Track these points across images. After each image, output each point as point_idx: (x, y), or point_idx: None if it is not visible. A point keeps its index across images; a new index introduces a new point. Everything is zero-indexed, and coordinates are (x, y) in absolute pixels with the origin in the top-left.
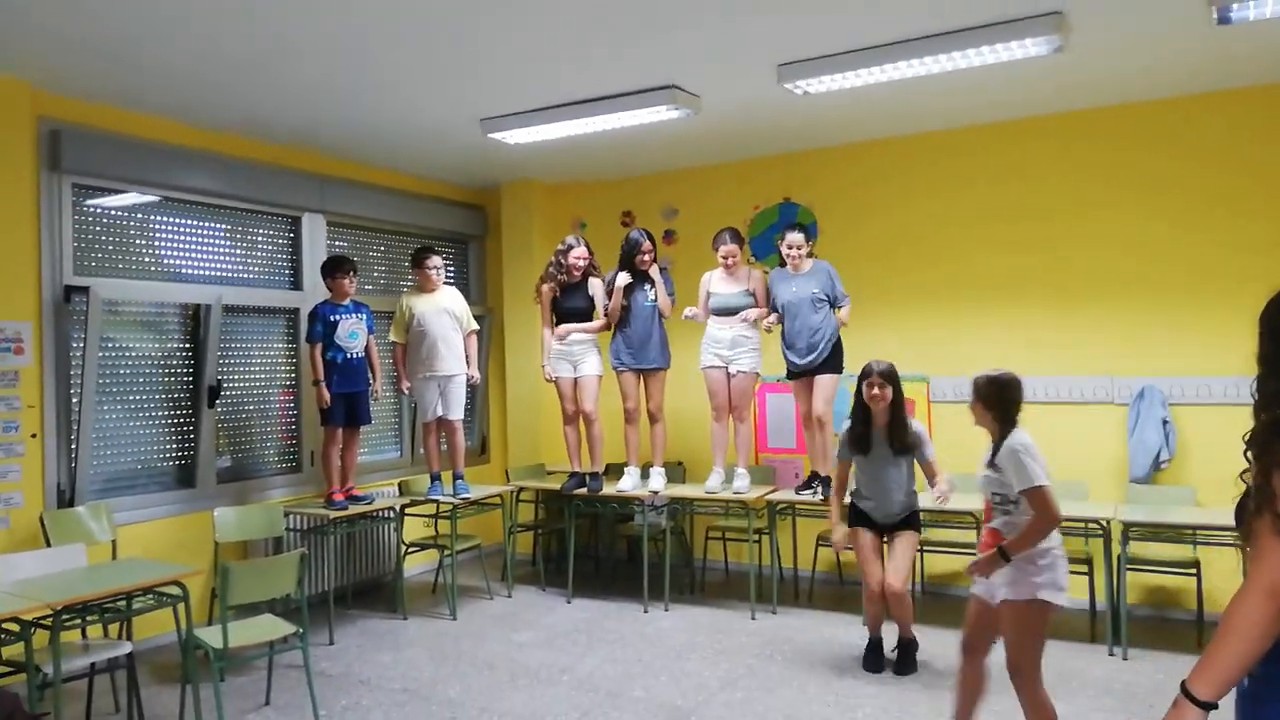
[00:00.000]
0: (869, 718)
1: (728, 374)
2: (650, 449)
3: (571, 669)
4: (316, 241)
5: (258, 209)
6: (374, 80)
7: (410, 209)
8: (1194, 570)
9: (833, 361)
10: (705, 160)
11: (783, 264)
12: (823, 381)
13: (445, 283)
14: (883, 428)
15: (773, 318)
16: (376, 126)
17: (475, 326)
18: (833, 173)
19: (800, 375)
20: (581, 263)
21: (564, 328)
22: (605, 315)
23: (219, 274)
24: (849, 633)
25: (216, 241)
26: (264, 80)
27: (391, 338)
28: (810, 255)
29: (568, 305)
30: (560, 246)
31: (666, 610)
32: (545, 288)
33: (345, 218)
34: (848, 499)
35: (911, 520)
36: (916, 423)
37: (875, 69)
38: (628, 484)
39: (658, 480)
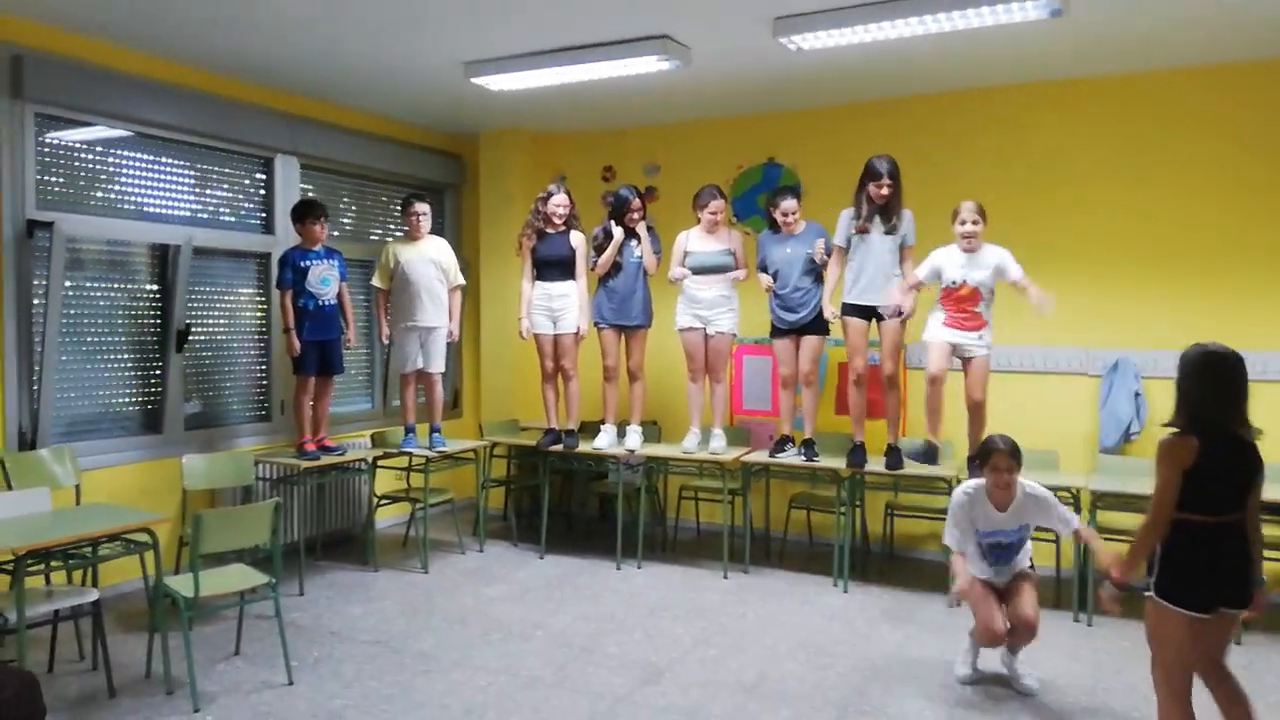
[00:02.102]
0: (840, 676)
1: (705, 335)
2: (628, 407)
3: (545, 624)
4: (289, 184)
5: (229, 148)
6: (357, 18)
7: (387, 154)
8: None
9: (820, 321)
10: (689, 116)
11: (772, 226)
12: (810, 341)
13: (433, 233)
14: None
15: (767, 279)
16: (356, 66)
17: (461, 281)
18: (818, 134)
19: (787, 334)
20: (562, 210)
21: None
22: (594, 267)
23: (189, 215)
24: (820, 593)
25: (187, 181)
26: (241, 13)
27: (374, 283)
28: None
29: (547, 253)
30: (541, 194)
31: (639, 568)
32: (525, 239)
33: (319, 160)
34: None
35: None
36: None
37: (873, 26)
38: (604, 442)
39: (634, 439)
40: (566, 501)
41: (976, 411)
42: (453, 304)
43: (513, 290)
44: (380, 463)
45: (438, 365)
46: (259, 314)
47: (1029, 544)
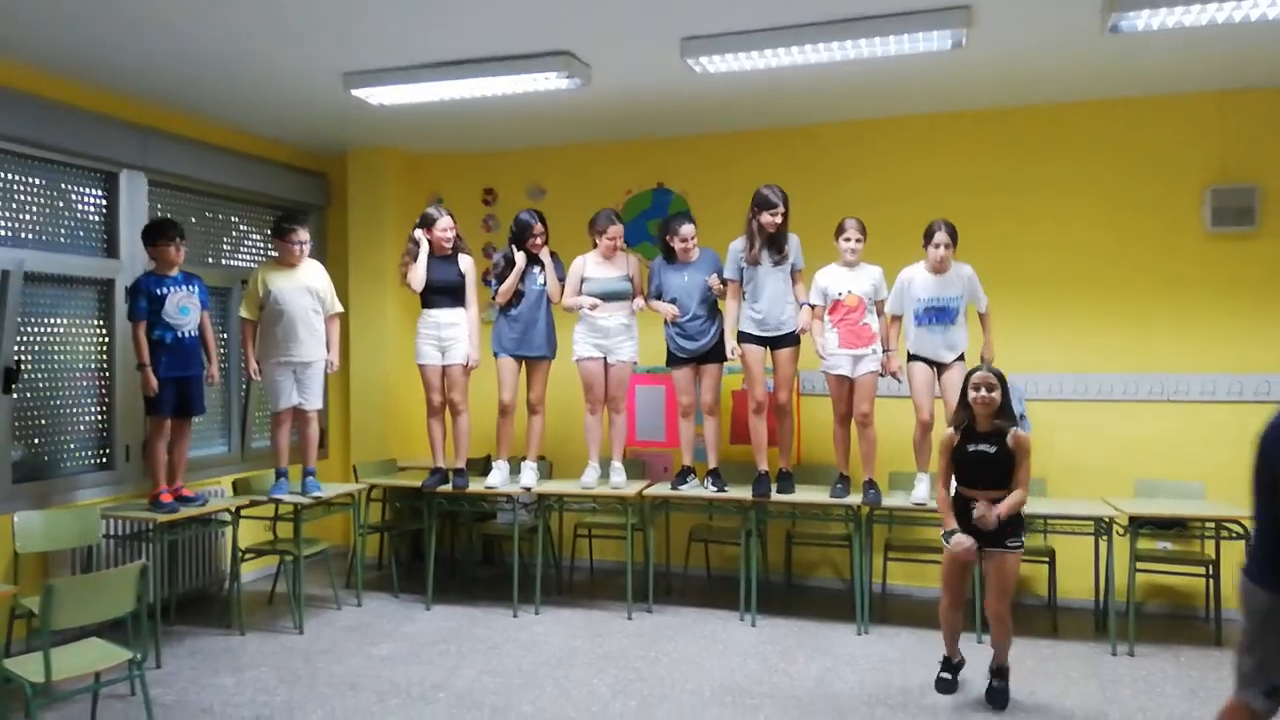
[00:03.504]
0: (771, 718)
1: (605, 364)
2: (523, 442)
3: (446, 684)
4: (136, 203)
5: (67, 161)
6: (224, 21)
7: (246, 172)
8: (1047, 559)
9: (719, 349)
10: (576, 139)
11: (666, 253)
12: (711, 370)
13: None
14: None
15: (671, 309)
16: (219, 74)
17: (340, 308)
18: (709, 160)
19: (687, 362)
20: (449, 233)
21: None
22: (494, 297)
23: (20, 236)
24: (729, 628)
25: (17, 197)
26: (83, 8)
27: (241, 314)
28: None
29: (436, 278)
30: (421, 219)
31: (537, 614)
32: (406, 266)
33: (170, 177)
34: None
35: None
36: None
37: (781, 51)
38: (497, 479)
39: (530, 476)
40: (449, 546)
41: (865, 423)
42: (331, 333)
43: (385, 319)
44: (244, 512)
45: (315, 401)
46: (100, 348)
47: (965, 331)
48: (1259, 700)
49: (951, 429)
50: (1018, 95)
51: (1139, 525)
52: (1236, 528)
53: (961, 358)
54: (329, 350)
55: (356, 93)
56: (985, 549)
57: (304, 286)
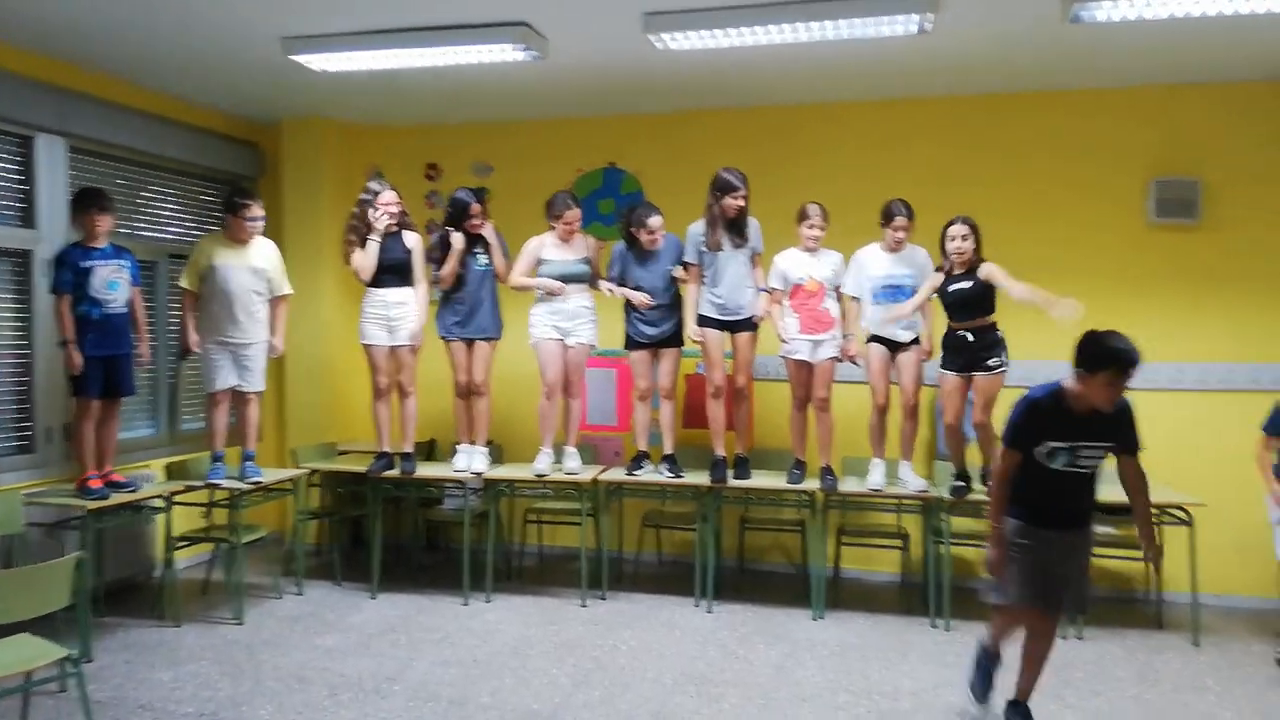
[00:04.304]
0: (737, 707)
1: (564, 346)
2: (473, 426)
3: (400, 676)
4: (55, 170)
5: None
6: None
7: (172, 139)
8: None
9: (679, 335)
10: (526, 114)
11: (630, 241)
12: (671, 354)
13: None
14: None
15: (643, 297)
16: (148, 34)
17: (288, 289)
18: (662, 140)
19: (646, 347)
20: (394, 209)
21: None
22: (439, 277)
23: None
24: (685, 615)
25: None
26: None
27: (181, 283)
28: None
29: (382, 257)
30: (364, 195)
31: (489, 601)
32: (350, 244)
33: (91, 143)
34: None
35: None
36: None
37: (745, 30)
38: (464, 463)
39: (480, 460)
40: (394, 533)
41: (824, 408)
42: (278, 315)
43: (322, 297)
44: (179, 498)
45: (256, 383)
46: (18, 324)
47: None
48: None
49: (938, 271)
50: (977, 84)
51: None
52: (1180, 513)
53: (917, 340)
54: (273, 333)
55: (296, 58)
56: (972, 374)
57: (249, 266)
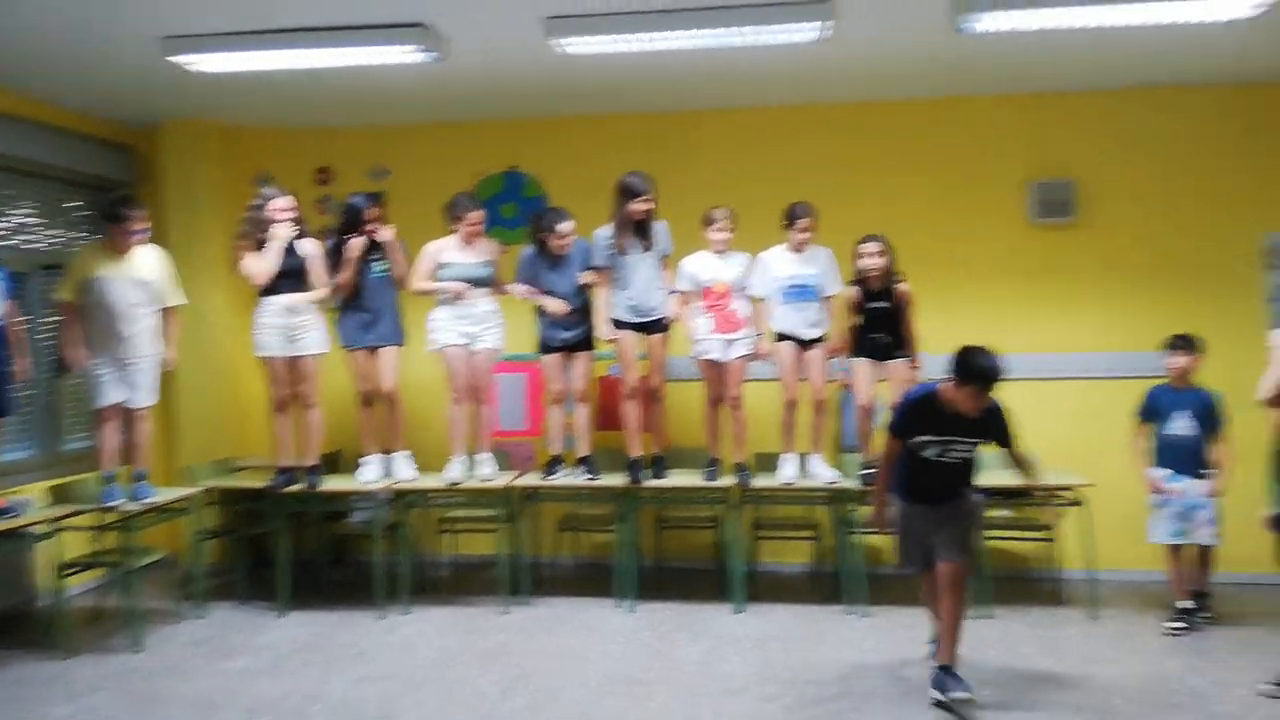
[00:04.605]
0: (666, 704)
1: (470, 352)
2: (383, 436)
3: (320, 696)
4: None
5: None
6: None
7: (38, 142)
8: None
9: (592, 338)
10: (423, 117)
11: (539, 246)
12: (584, 357)
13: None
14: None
15: (558, 303)
16: (11, 31)
17: (179, 299)
18: (565, 143)
19: (560, 350)
20: (292, 215)
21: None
22: (337, 284)
23: None
24: (606, 616)
25: None
26: None
27: (60, 295)
28: None
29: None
30: (257, 200)
31: (405, 614)
32: (240, 251)
33: None
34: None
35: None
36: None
37: (646, 35)
38: (370, 474)
39: (406, 468)
40: (298, 549)
41: (736, 406)
42: (168, 327)
43: (209, 307)
44: (66, 522)
45: (145, 398)
46: None
47: (826, 310)
48: None
49: (853, 288)
50: (873, 90)
51: (988, 495)
52: (1073, 494)
53: (823, 337)
54: (165, 345)
55: (176, 59)
56: (885, 361)
57: (131, 277)
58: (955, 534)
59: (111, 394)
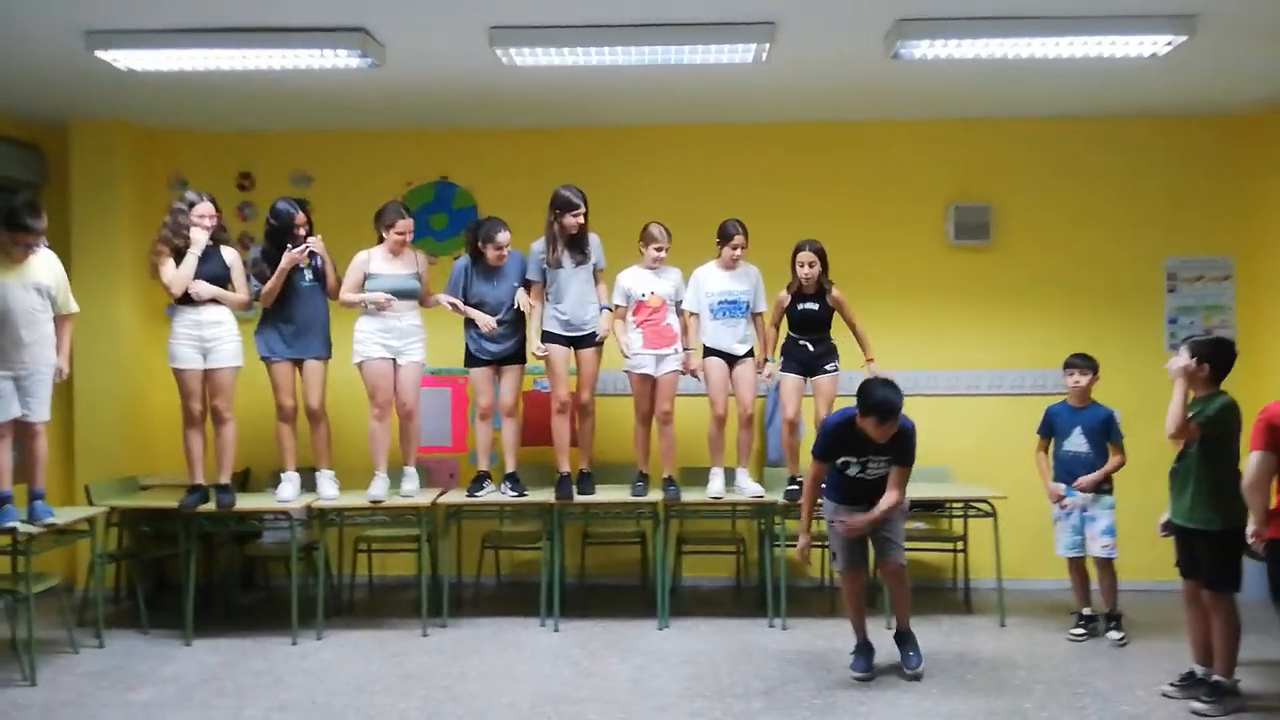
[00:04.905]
0: None
1: (395, 365)
2: (313, 452)
3: None
4: None
5: None
6: None
7: None
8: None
9: (522, 352)
10: (350, 124)
11: (475, 256)
12: (513, 371)
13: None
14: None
15: (489, 320)
16: None
17: (74, 307)
18: (498, 155)
19: (488, 364)
20: (209, 222)
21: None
22: (257, 297)
23: None
24: (532, 636)
25: None
26: None
27: None
28: None
29: (197, 273)
30: (178, 204)
31: (320, 639)
32: (158, 258)
33: None
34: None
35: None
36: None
37: (592, 49)
38: (290, 493)
39: (329, 486)
40: (204, 572)
41: (666, 421)
42: (63, 336)
43: (117, 316)
44: None
45: (42, 412)
46: None
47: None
48: None
49: (784, 292)
50: (806, 112)
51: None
52: (985, 506)
53: (751, 352)
54: (59, 355)
55: (102, 54)
56: (811, 378)
57: (30, 283)
58: (892, 536)
59: (7, 408)
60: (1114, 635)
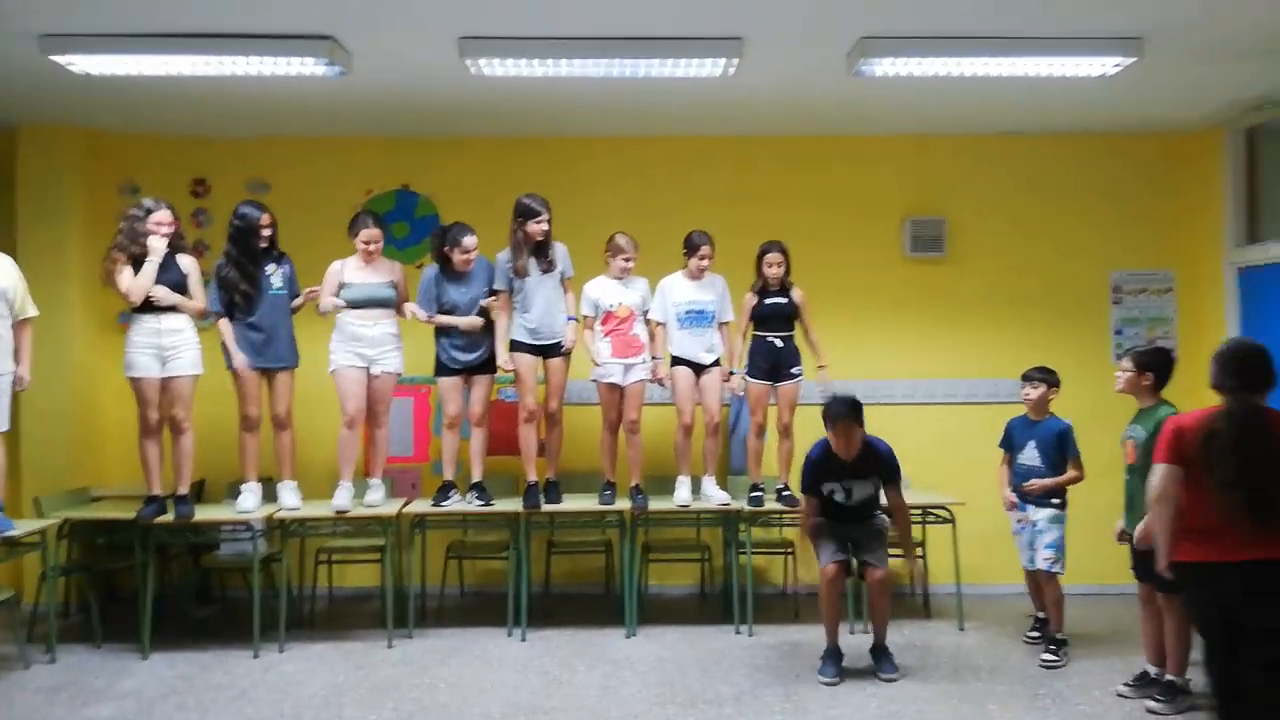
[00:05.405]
0: None
1: (368, 375)
2: (276, 461)
3: None
4: None
5: None
6: None
7: None
8: (787, 550)
9: (492, 361)
10: (309, 130)
11: (443, 263)
12: (483, 381)
13: None
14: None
15: (470, 321)
16: None
17: (33, 311)
18: (461, 164)
19: (457, 373)
20: (168, 230)
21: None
22: (222, 305)
23: None
24: (499, 646)
25: None
26: None
27: None
28: None
29: (156, 281)
30: (134, 210)
31: (282, 651)
32: (113, 264)
33: None
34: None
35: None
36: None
37: (563, 61)
38: (251, 503)
39: (292, 496)
40: (159, 584)
41: (634, 430)
42: (21, 342)
43: (67, 323)
44: None
45: (1, 423)
46: None
47: (720, 336)
48: None
49: (750, 294)
50: (771, 126)
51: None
52: (943, 512)
53: (718, 361)
54: (18, 362)
55: (57, 58)
56: (776, 384)
57: None
58: (877, 546)
59: None
60: (1046, 657)
